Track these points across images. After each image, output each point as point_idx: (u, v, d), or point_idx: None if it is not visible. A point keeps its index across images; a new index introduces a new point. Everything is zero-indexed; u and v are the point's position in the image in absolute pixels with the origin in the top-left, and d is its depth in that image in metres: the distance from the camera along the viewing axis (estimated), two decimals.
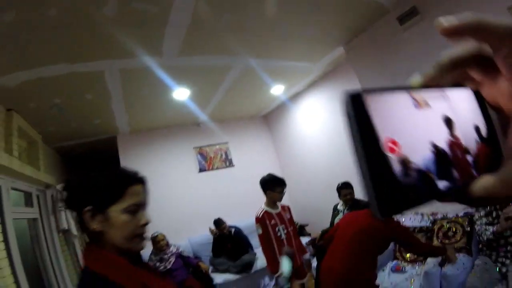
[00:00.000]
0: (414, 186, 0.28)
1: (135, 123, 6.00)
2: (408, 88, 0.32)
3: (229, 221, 5.55)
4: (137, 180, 1.09)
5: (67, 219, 4.90)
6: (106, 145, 6.46)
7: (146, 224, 1.06)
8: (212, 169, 6.96)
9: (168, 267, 4.55)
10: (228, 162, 7.13)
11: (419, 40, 3.54)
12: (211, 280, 4.82)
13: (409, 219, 4.12)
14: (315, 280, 3.72)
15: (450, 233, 3.54)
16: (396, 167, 0.27)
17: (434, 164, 0.30)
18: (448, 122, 0.33)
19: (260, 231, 3.33)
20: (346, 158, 5.24)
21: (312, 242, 4.46)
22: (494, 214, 3.15)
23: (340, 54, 4.91)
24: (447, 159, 0.31)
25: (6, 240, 3.29)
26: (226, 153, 7.17)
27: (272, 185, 3.40)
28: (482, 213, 3.25)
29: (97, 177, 1.05)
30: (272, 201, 3.44)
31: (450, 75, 0.33)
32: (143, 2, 2.78)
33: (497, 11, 2.95)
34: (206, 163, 6.92)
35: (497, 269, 2.96)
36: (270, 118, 7.81)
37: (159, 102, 5.23)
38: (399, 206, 0.26)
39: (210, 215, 5.61)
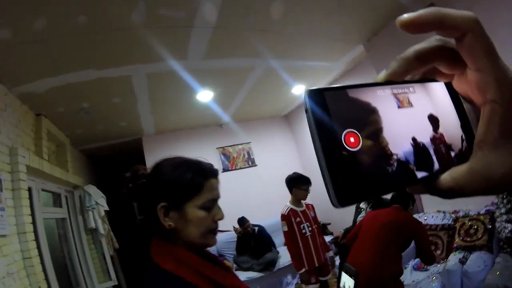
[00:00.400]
0: (375, 176, 0.28)
1: (160, 125, 6.12)
2: (374, 84, 0.32)
3: (252, 220, 5.60)
4: (213, 173, 1.03)
5: (95, 219, 5.03)
6: (132, 146, 6.60)
7: (221, 219, 1.00)
8: (235, 168, 7.02)
9: None
10: (250, 162, 7.18)
11: None
12: None
13: (431, 217, 4.11)
14: (338, 278, 3.76)
15: (471, 231, 3.52)
16: (356, 159, 0.28)
17: (406, 157, 0.31)
18: (432, 119, 0.34)
19: (286, 228, 3.39)
20: None
21: (335, 241, 4.48)
22: None
23: (360, 52, 4.91)
24: (423, 153, 0.32)
25: (37, 239, 3.42)
26: (248, 153, 7.22)
27: (298, 183, 3.45)
28: (503, 210, 3.25)
29: (172, 172, 0.97)
30: (297, 199, 3.50)
31: (418, 70, 0.33)
32: (169, 8, 2.86)
33: None
34: (229, 163, 6.99)
35: None
36: (291, 117, 7.81)
37: (183, 104, 5.34)
38: (356, 195, 0.27)
39: (234, 214, 5.64)
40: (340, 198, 0.26)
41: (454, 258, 3.36)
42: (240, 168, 7.09)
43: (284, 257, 5.33)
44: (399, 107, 0.32)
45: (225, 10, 3.06)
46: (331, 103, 0.28)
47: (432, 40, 0.32)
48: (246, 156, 7.20)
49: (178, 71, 3.98)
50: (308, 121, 0.28)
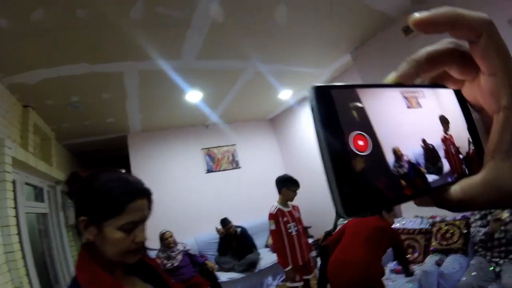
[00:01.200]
0: (385, 184, 0.26)
1: (146, 123, 6.11)
2: (383, 86, 0.31)
3: (235, 221, 5.65)
4: (142, 194, 0.97)
5: None
6: (116, 143, 6.57)
7: (141, 241, 0.95)
8: (219, 170, 7.06)
9: (176, 264, 4.63)
10: (235, 164, 7.23)
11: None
12: (216, 278, 4.92)
13: (409, 221, 4.29)
14: (320, 277, 3.88)
15: (448, 235, 3.72)
16: (365, 165, 0.26)
17: (417, 164, 0.29)
18: (443, 122, 0.32)
19: (273, 227, 3.48)
20: None
21: (316, 243, 4.58)
22: (488, 217, 3.38)
23: (347, 61, 5.02)
24: (433, 159, 0.30)
25: (19, 233, 3.35)
26: (233, 155, 7.27)
27: (288, 184, 3.57)
28: (478, 216, 3.52)
29: (98, 187, 0.94)
30: (285, 199, 3.60)
31: (428, 73, 0.32)
32: (167, 7, 2.89)
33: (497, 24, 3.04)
34: (213, 164, 7.02)
35: (491, 268, 3.15)
36: (277, 121, 7.89)
37: (172, 103, 5.35)
38: (364, 205, 0.25)
39: (217, 215, 5.71)
40: (347, 207, 0.24)
41: (431, 260, 3.54)
42: (224, 170, 7.12)
43: (265, 258, 5.42)
44: (408, 107, 0.31)
45: (221, 12, 3.10)
46: (338, 103, 0.26)
47: (444, 42, 0.31)
48: (231, 158, 7.24)
49: (170, 70, 4.00)
50: (313, 121, 0.26)
